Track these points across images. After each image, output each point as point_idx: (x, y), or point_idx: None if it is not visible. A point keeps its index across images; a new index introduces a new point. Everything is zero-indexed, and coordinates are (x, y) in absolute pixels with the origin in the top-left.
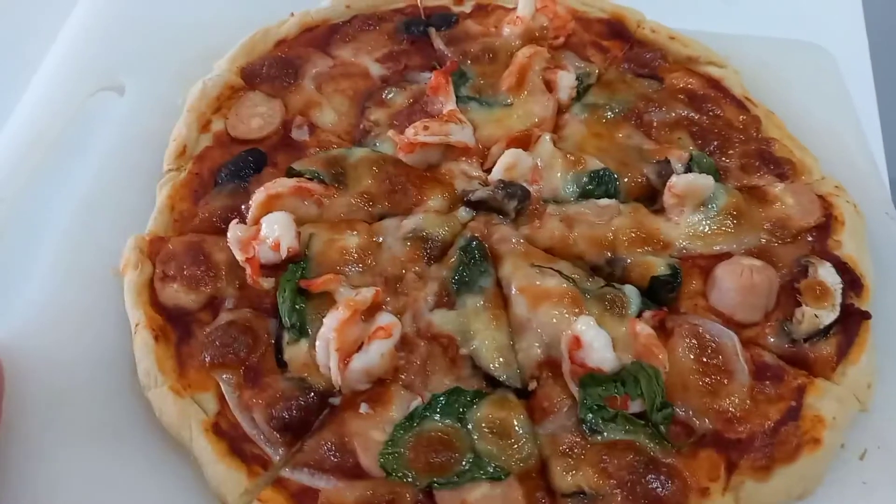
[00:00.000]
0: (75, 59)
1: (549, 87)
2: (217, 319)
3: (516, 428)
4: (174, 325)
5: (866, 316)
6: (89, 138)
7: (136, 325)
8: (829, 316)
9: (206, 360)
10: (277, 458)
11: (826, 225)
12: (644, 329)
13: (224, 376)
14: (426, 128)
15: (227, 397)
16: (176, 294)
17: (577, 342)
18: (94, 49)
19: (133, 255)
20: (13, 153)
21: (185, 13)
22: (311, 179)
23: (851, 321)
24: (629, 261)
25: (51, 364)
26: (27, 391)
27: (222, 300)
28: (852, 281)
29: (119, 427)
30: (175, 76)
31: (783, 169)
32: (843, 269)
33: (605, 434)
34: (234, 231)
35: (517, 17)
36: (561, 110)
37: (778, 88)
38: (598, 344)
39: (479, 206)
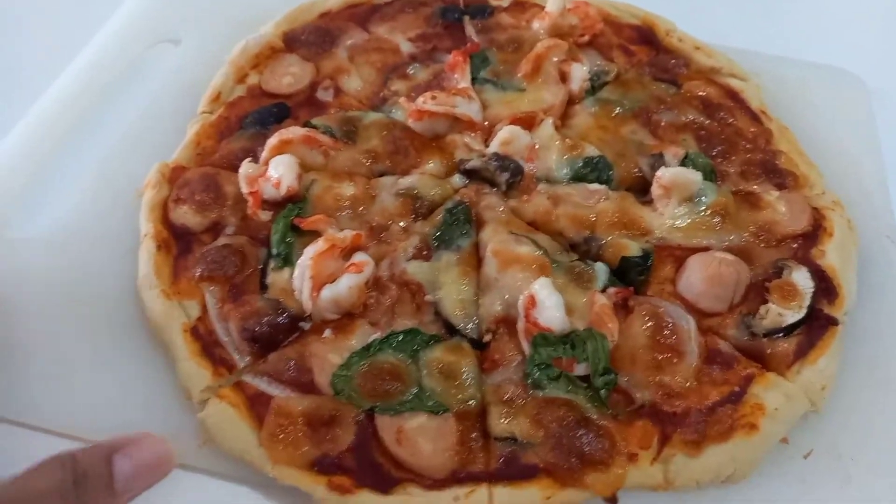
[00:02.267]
0: (141, 12)
1: (563, 78)
2: (215, 241)
3: (464, 372)
4: (177, 241)
5: (833, 322)
6: (143, 82)
7: (144, 236)
8: (793, 316)
9: (198, 273)
10: (242, 364)
11: (813, 234)
12: (601, 299)
13: (210, 289)
14: (434, 98)
15: (209, 307)
16: (184, 215)
17: (532, 301)
18: (158, 6)
19: (155, 177)
20: (77, 85)
21: None
22: (323, 133)
23: (817, 325)
24: (605, 241)
25: (73, 262)
26: (51, 283)
27: (224, 226)
28: (827, 289)
29: (116, 321)
30: (226, 35)
31: (784, 180)
32: (820, 276)
33: (547, 391)
34: (246, 167)
35: (545, 12)
36: (573, 101)
37: (802, 109)
38: (550, 303)
39: (472, 174)
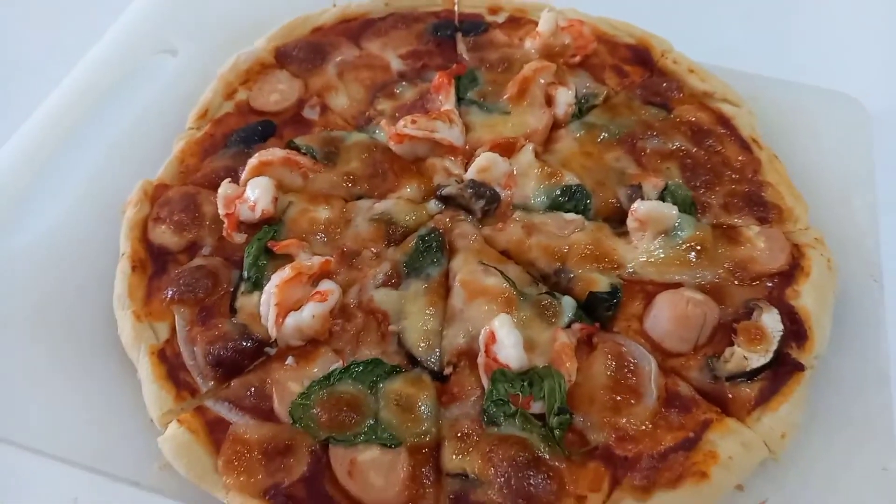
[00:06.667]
0: (140, 23)
1: (549, 101)
2: (190, 262)
3: (420, 405)
4: (153, 261)
5: (799, 367)
6: (138, 93)
7: (122, 255)
8: (758, 360)
9: (168, 295)
10: (206, 389)
11: (790, 273)
12: (562, 337)
13: (181, 311)
14: (414, 122)
15: (177, 329)
16: (163, 234)
17: (492, 337)
18: (158, 17)
19: (137, 195)
20: (73, 96)
21: None
22: (304, 154)
23: (783, 370)
24: (575, 274)
25: (56, 276)
26: (32, 296)
27: (201, 247)
28: (798, 332)
29: (91, 339)
30: (221, 47)
31: (768, 213)
32: (792, 318)
33: (502, 428)
34: (224, 188)
35: (536, 31)
36: (558, 125)
37: (799, 134)
38: (508, 341)
39: (448, 200)
